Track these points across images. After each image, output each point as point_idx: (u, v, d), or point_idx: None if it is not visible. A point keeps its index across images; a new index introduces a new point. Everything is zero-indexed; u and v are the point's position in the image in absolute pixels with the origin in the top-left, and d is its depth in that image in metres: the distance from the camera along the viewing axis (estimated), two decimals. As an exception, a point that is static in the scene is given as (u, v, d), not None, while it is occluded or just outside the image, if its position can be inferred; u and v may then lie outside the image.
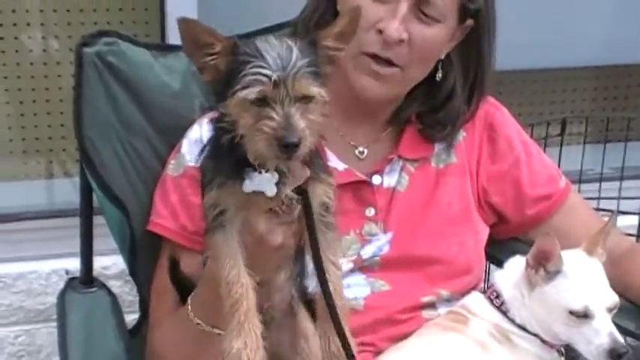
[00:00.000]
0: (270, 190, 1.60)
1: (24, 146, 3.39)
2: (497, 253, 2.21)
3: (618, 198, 3.21)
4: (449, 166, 2.11)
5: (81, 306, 2.02)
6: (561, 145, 3.22)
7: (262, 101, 1.52)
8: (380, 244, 2.01)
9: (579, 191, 2.95)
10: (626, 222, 3.10)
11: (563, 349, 2.02)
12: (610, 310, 1.91)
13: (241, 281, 1.62)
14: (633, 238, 2.78)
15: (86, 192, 2.07)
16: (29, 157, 3.41)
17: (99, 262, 2.73)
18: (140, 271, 2.08)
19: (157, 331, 1.98)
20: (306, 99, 1.54)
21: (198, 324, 1.79)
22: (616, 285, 1.96)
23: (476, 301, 2.03)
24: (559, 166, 2.84)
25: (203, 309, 1.79)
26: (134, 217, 2.04)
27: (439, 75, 2.05)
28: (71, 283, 2.09)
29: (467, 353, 1.93)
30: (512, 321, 1.98)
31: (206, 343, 1.79)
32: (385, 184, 2.05)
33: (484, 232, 2.16)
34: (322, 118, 1.58)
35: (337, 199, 1.97)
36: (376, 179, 2.05)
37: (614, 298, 1.92)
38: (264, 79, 1.51)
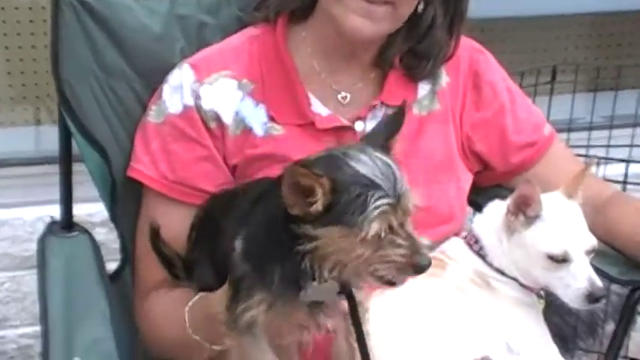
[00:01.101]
0: (333, 301, 1.62)
1: (10, 93, 3.37)
2: (479, 199, 2.19)
3: (607, 146, 3.19)
4: (432, 113, 2.09)
5: (61, 250, 2.00)
6: (551, 93, 3.20)
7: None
8: None
9: (568, 140, 2.96)
10: (615, 171, 3.09)
11: (543, 293, 2.03)
12: (588, 253, 1.91)
13: None
14: (619, 186, 2.77)
15: (65, 136, 2.04)
16: (15, 104, 3.39)
17: (84, 210, 2.72)
18: (121, 216, 2.07)
19: (145, 304, 1.99)
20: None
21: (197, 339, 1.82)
22: (599, 233, 1.97)
23: (455, 246, 2.04)
24: (548, 115, 2.84)
25: (204, 335, 1.80)
26: (114, 161, 2.03)
27: (421, 6, 2.01)
28: (52, 227, 2.07)
29: (446, 297, 1.94)
30: (490, 265, 1.98)
31: (199, 346, 1.82)
32: (368, 130, 2.03)
33: (466, 180, 2.15)
34: None
35: (320, 145, 1.98)
36: (359, 125, 2.03)
37: (592, 242, 1.92)
38: (389, 208, 1.48)
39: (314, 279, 1.55)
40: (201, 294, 1.83)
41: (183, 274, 1.92)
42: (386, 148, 1.58)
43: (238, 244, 1.62)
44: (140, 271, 2.02)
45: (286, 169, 1.49)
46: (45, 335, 1.80)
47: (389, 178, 1.49)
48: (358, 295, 1.64)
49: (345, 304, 1.63)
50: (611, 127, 3.35)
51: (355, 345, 1.65)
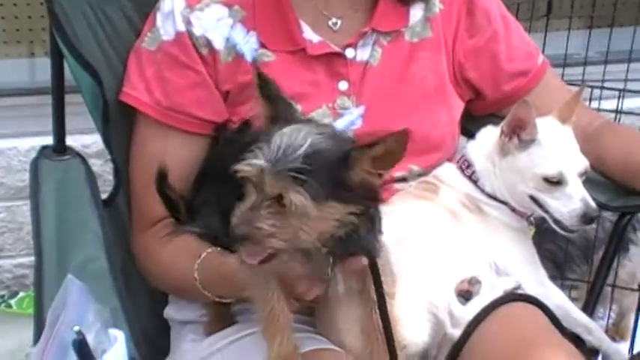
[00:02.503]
0: (327, 274, 1.61)
1: (3, 26, 3.36)
2: (472, 128, 2.19)
3: (602, 80, 3.19)
4: (424, 41, 2.08)
5: (54, 174, 2.00)
6: (547, 28, 3.18)
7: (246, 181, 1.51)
8: (352, 117, 2.00)
9: (563, 75, 2.96)
10: (609, 106, 3.10)
11: (533, 220, 2.04)
12: (581, 175, 1.93)
13: (284, 313, 1.66)
14: (608, 116, 2.77)
15: (57, 58, 2.03)
16: (9, 37, 3.38)
17: (79, 141, 2.74)
18: (114, 140, 2.07)
19: (145, 237, 2.00)
20: (283, 200, 1.48)
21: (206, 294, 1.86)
22: (590, 160, 1.98)
23: (447, 170, 2.05)
24: (543, 50, 2.83)
25: (214, 290, 1.85)
26: (107, 84, 2.02)
27: None
28: (44, 151, 2.07)
29: (438, 220, 1.96)
30: (482, 190, 2.00)
31: (205, 296, 1.87)
32: (358, 58, 2.03)
33: (459, 108, 2.15)
34: (307, 230, 1.50)
35: (310, 72, 1.98)
36: (349, 52, 2.02)
37: (584, 163, 1.94)
38: (256, 162, 1.49)
39: None
40: (211, 249, 1.85)
41: (185, 218, 1.93)
42: (346, 156, 1.50)
43: None
44: (139, 203, 2.03)
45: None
46: (38, 255, 1.81)
47: (284, 150, 1.47)
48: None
49: (361, 262, 1.62)
50: (605, 62, 3.33)
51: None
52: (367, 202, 1.53)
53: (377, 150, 1.48)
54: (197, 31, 1.97)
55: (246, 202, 1.50)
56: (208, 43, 1.97)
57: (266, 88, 1.60)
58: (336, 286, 1.66)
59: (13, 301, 3.15)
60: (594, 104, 3.06)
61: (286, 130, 1.51)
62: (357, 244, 1.57)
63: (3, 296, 3.19)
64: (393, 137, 1.47)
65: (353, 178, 1.49)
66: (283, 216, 1.49)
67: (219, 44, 1.98)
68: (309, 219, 1.49)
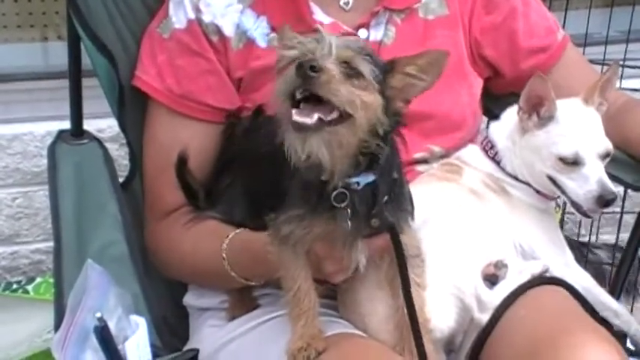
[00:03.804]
0: (347, 225, 1.59)
1: (16, 9, 3.33)
2: (494, 107, 2.18)
3: (624, 59, 3.14)
4: (439, 18, 2.05)
5: (71, 157, 1.99)
6: (567, 7, 3.14)
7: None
8: None
9: (584, 54, 2.92)
10: (631, 84, 3.05)
11: (560, 203, 2.01)
12: (602, 157, 1.89)
13: (310, 295, 1.67)
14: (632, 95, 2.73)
15: (74, 40, 2.01)
16: (23, 21, 3.36)
17: (94, 125, 2.70)
18: (129, 123, 2.06)
19: (161, 226, 1.98)
20: (353, 70, 1.48)
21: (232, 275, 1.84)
22: (614, 140, 1.95)
23: (470, 152, 2.03)
24: (564, 27, 2.79)
25: (242, 271, 1.83)
26: (122, 67, 2.01)
27: None
28: (62, 135, 2.05)
29: (462, 202, 1.93)
30: (504, 170, 1.97)
31: (229, 280, 1.85)
32: (372, 38, 2.00)
33: (478, 86, 2.11)
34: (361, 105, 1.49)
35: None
36: (362, 33, 2.00)
37: (606, 145, 1.90)
38: (311, 41, 1.49)
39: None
40: (239, 230, 1.84)
41: (204, 205, 1.92)
42: (392, 62, 1.57)
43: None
44: (154, 190, 2.01)
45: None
46: (57, 241, 1.80)
47: (336, 39, 1.50)
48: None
49: (384, 239, 1.63)
50: (627, 41, 3.28)
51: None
52: (396, 122, 1.57)
53: (421, 59, 1.56)
54: (206, 18, 1.95)
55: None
56: (218, 30, 1.95)
57: None
58: (358, 256, 1.64)
59: (30, 287, 3.13)
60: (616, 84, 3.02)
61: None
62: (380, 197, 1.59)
63: (20, 282, 3.17)
64: (435, 51, 1.58)
65: (395, 82, 1.54)
66: (345, 81, 1.47)
67: (229, 31, 1.96)
68: (367, 94, 1.49)
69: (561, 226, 3.16)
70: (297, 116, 1.46)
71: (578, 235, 3.36)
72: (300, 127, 1.47)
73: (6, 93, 3.19)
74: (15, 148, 3.15)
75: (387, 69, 1.54)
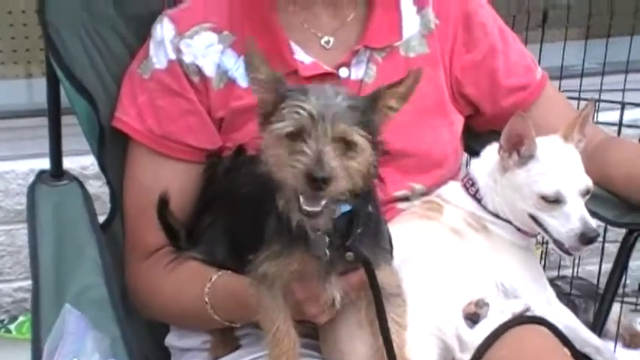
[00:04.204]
0: (325, 254, 1.60)
1: (0, 45, 3.33)
2: (475, 145, 2.18)
3: (599, 91, 3.17)
4: (420, 56, 2.05)
5: (51, 198, 1.97)
6: (542, 36, 3.16)
7: (297, 136, 1.49)
8: None
9: (560, 87, 2.94)
10: (607, 118, 3.07)
11: (541, 239, 2.01)
12: (583, 194, 1.90)
13: (290, 335, 1.67)
14: (609, 131, 2.74)
15: (53, 83, 2.00)
16: (6, 58, 3.36)
17: (77, 162, 2.72)
18: (109, 164, 2.05)
19: (142, 267, 1.98)
20: (347, 143, 1.50)
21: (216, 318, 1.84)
22: (594, 177, 1.95)
23: (451, 189, 2.03)
24: (540, 61, 2.81)
25: (225, 315, 1.83)
26: (102, 108, 2.00)
27: None
28: (41, 176, 2.04)
29: (442, 240, 1.93)
30: (485, 208, 1.97)
31: (212, 322, 1.85)
32: (353, 77, 2.00)
33: (459, 123, 2.12)
34: (365, 169, 1.54)
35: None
36: (343, 72, 2.00)
37: (587, 182, 1.90)
38: (302, 112, 1.48)
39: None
40: (221, 272, 1.83)
41: (185, 245, 1.92)
42: (374, 97, 1.58)
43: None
44: (135, 231, 2.00)
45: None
46: (35, 283, 1.78)
47: (325, 98, 1.51)
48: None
49: (360, 275, 1.63)
50: (603, 73, 3.30)
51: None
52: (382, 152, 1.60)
53: (402, 87, 1.59)
54: (187, 59, 1.95)
55: (306, 148, 1.48)
56: (199, 71, 1.96)
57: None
58: (333, 291, 1.65)
59: (12, 326, 3.12)
60: (593, 117, 3.03)
61: (311, 86, 1.56)
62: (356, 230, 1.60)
63: (2, 321, 3.16)
64: (413, 74, 1.61)
65: (380, 117, 1.58)
66: (345, 157, 1.50)
67: (210, 71, 1.96)
68: (363, 158, 1.52)
69: (543, 261, 3.18)
70: (306, 206, 1.51)
71: (559, 266, 3.37)
72: (310, 214, 1.51)
73: (-11, 132, 3.20)
74: (-3, 186, 3.15)
75: (370, 105, 1.56)
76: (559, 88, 2.91)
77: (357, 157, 1.51)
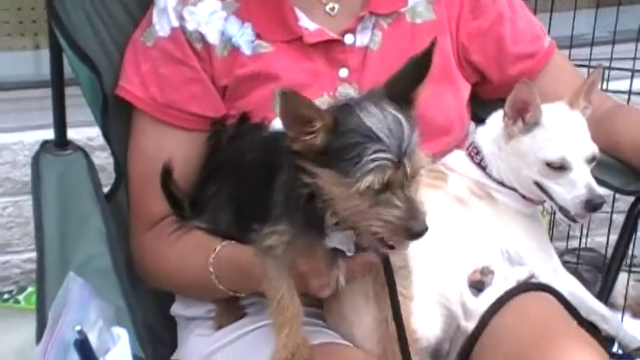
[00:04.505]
0: (350, 250, 1.58)
1: (6, 17, 3.32)
2: (482, 113, 2.16)
3: (610, 59, 3.14)
4: (426, 23, 2.04)
5: (55, 169, 1.97)
6: (552, 5, 3.13)
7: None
8: None
9: (570, 56, 2.91)
10: (617, 86, 3.05)
11: (550, 208, 2.00)
12: (589, 161, 1.89)
13: (294, 303, 1.66)
14: (619, 99, 2.72)
15: (56, 52, 2.00)
16: (13, 29, 3.35)
17: (84, 133, 2.71)
18: (113, 133, 2.04)
19: (147, 237, 1.97)
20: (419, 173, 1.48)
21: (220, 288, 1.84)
22: (602, 144, 1.95)
23: (456, 158, 2.02)
24: (549, 30, 2.78)
25: (230, 284, 1.83)
26: (106, 77, 1.99)
27: None
28: (45, 146, 2.04)
29: (447, 209, 1.92)
30: (490, 176, 1.97)
31: (217, 292, 1.85)
32: (358, 43, 1.99)
33: (465, 90, 2.11)
34: None
35: (309, 60, 1.95)
36: (348, 38, 1.99)
37: (592, 149, 1.90)
38: (387, 163, 1.43)
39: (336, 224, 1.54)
40: (225, 242, 1.82)
41: (190, 214, 1.91)
42: (408, 100, 1.52)
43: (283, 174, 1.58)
44: (139, 200, 2.00)
45: (285, 96, 1.45)
46: (40, 253, 1.78)
47: (395, 135, 1.44)
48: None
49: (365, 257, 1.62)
50: (613, 42, 3.27)
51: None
52: None
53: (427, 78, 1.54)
54: (190, 26, 1.94)
55: (397, 201, 1.45)
56: (202, 38, 1.94)
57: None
58: (338, 275, 1.64)
59: (21, 297, 3.13)
60: (602, 85, 3.02)
61: (369, 119, 1.46)
62: None
63: (11, 292, 3.17)
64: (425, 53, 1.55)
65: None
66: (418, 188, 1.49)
67: (213, 38, 1.95)
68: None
69: (551, 231, 3.17)
70: (394, 244, 1.51)
71: (568, 237, 3.36)
72: (393, 249, 1.53)
73: (-4, 102, 3.19)
74: (4, 158, 3.16)
75: (413, 116, 1.52)
76: (569, 57, 2.90)
77: (420, 179, 1.50)
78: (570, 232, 3.37)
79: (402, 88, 1.53)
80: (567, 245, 3.38)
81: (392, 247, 1.51)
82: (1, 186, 3.18)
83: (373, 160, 1.43)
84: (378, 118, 1.45)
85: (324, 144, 1.46)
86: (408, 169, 1.44)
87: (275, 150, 1.58)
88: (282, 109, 1.46)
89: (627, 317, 3.09)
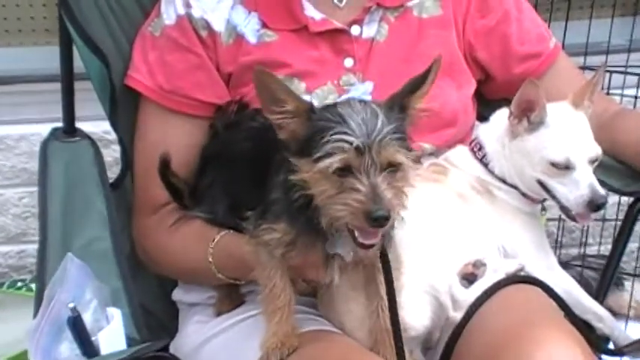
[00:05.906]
0: (348, 255, 1.61)
1: (31, 13, 3.37)
2: (486, 111, 2.17)
3: (625, 66, 3.14)
4: (433, 18, 2.06)
5: (62, 155, 2.01)
6: (568, 12, 3.14)
7: (345, 170, 1.46)
8: (357, 94, 1.97)
9: (584, 62, 2.92)
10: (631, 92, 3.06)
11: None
12: (592, 161, 1.90)
13: (286, 292, 1.67)
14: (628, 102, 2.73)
15: (65, 42, 2.04)
16: (36, 24, 3.39)
17: (100, 127, 2.74)
18: (121, 123, 2.08)
19: (148, 223, 2.00)
20: (393, 167, 1.48)
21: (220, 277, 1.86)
22: (605, 146, 1.95)
23: (458, 153, 2.03)
24: (564, 35, 2.79)
25: (229, 273, 1.85)
26: (115, 67, 2.02)
27: None
28: (54, 132, 2.08)
29: (443, 202, 1.94)
30: (492, 173, 1.98)
31: (218, 280, 1.88)
32: (364, 35, 2.01)
33: (470, 86, 2.12)
34: (409, 182, 1.53)
35: (315, 49, 1.97)
36: (355, 29, 2.01)
37: (596, 150, 1.91)
38: (347, 146, 1.45)
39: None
40: (224, 232, 1.85)
41: (190, 203, 1.94)
42: (402, 106, 1.55)
43: (283, 171, 1.60)
44: (143, 186, 2.03)
45: (258, 72, 1.51)
46: (43, 234, 1.83)
47: (366, 123, 1.46)
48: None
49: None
50: (629, 50, 3.28)
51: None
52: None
53: (427, 86, 1.57)
54: (196, 13, 1.97)
55: (359, 185, 1.46)
56: (207, 25, 1.97)
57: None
58: (333, 273, 1.66)
59: (34, 285, 3.17)
60: (617, 92, 3.02)
61: (344, 108, 1.50)
62: None
63: (25, 280, 3.20)
64: (433, 71, 1.57)
65: (410, 122, 1.55)
66: (393, 181, 1.49)
67: (219, 26, 1.97)
68: (407, 174, 1.52)
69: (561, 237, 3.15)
70: (362, 239, 1.51)
71: (580, 244, 3.35)
72: (365, 246, 1.53)
73: (15, 94, 3.23)
74: (22, 148, 3.20)
75: (402, 116, 1.55)
76: (584, 63, 2.91)
77: (403, 177, 1.51)
78: (583, 239, 3.36)
79: (398, 96, 1.57)
80: (584, 252, 3.36)
81: (366, 247, 1.52)
82: (17, 176, 3.22)
83: (335, 141, 1.46)
84: (354, 109, 1.49)
85: (303, 132, 1.51)
86: (376, 158, 1.46)
87: (269, 140, 1.60)
88: (255, 84, 1.52)
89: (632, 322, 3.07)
